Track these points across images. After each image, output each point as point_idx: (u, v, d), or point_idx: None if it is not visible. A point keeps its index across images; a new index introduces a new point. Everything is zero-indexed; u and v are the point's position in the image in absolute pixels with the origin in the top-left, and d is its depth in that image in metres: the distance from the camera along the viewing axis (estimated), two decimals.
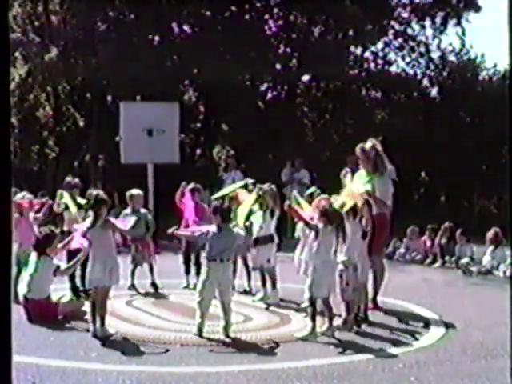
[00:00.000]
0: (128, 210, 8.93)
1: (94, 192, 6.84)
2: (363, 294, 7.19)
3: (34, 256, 7.27)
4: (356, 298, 6.97)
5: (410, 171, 16.89)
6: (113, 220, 6.62)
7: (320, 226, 6.50)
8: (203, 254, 6.85)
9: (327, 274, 6.45)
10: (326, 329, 6.44)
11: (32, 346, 5.93)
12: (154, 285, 8.86)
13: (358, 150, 7.67)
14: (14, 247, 7.52)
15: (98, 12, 17.26)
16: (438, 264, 11.59)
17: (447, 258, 11.59)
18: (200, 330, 6.37)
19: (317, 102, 19.58)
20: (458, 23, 18.66)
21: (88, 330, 6.37)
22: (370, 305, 7.41)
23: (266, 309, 7.68)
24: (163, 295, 8.58)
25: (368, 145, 7.64)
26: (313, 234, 6.58)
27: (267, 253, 8.04)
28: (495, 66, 19.06)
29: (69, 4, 17.33)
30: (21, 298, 7.13)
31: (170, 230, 7.13)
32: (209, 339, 6.27)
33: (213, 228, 6.61)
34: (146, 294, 8.57)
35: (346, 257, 6.79)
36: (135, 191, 9.22)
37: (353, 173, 7.71)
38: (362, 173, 7.65)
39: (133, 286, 8.78)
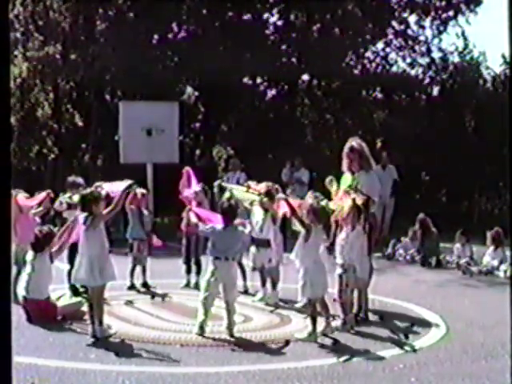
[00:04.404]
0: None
1: (86, 190, 6.79)
2: (364, 294, 7.19)
3: (30, 255, 7.24)
4: (354, 299, 6.97)
5: (411, 171, 16.88)
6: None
7: (311, 225, 6.46)
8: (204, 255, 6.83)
9: (320, 274, 6.41)
10: (323, 328, 6.43)
11: (31, 346, 5.92)
12: (145, 285, 8.86)
13: (346, 149, 7.59)
14: (14, 245, 7.49)
15: (98, 11, 17.26)
16: (433, 264, 11.51)
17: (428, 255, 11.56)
18: (202, 328, 6.36)
19: (317, 102, 19.56)
20: (456, 16, 18.57)
21: (87, 331, 6.36)
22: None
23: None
24: (162, 295, 8.55)
25: (356, 143, 7.63)
26: (304, 232, 6.52)
27: (268, 253, 8.04)
28: (503, 57, 18.61)
29: (69, 3, 17.31)
30: (20, 299, 7.11)
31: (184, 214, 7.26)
32: (208, 339, 6.26)
33: (218, 225, 6.61)
34: (153, 296, 8.49)
35: (345, 258, 6.78)
36: (139, 190, 9.23)
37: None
38: (347, 176, 7.56)
39: (132, 286, 8.77)
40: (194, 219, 7.06)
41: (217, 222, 6.76)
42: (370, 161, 7.61)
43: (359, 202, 6.82)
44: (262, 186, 8.23)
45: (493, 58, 19.19)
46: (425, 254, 11.59)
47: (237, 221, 6.80)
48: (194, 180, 8.92)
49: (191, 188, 8.86)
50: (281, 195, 7.21)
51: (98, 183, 7.02)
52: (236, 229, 6.61)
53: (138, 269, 8.94)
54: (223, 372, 5.34)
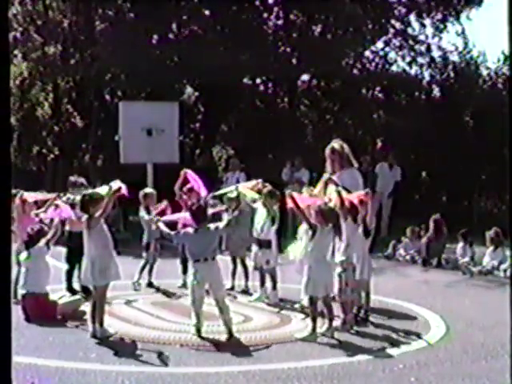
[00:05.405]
0: (142, 211, 8.92)
1: (85, 192, 6.79)
2: (365, 294, 7.19)
3: (24, 255, 7.25)
4: (354, 298, 6.97)
5: (411, 171, 16.87)
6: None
7: (317, 225, 6.48)
8: None
9: (323, 274, 6.43)
10: (325, 329, 6.43)
11: (31, 346, 5.92)
12: (151, 285, 8.89)
13: (327, 151, 7.81)
14: (16, 245, 7.49)
15: (97, 11, 17.26)
16: (434, 264, 11.49)
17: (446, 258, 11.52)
18: (198, 330, 6.37)
19: (317, 102, 19.55)
20: (457, 17, 18.53)
21: (87, 331, 6.36)
22: None
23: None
24: (162, 295, 8.54)
25: (337, 145, 7.80)
26: (310, 232, 6.54)
27: (267, 254, 8.04)
28: (503, 53, 18.44)
29: (68, 2, 17.32)
30: (19, 298, 7.11)
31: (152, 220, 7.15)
32: (208, 339, 6.26)
33: (189, 229, 6.60)
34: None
35: (344, 257, 6.79)
36: (148, 190, 9.25)
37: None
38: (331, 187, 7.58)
39: (138, 281, 8.78)
40: (164, 228, 6.97)
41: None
42: (351, 160, 7.83)
43: (347, 194, 6.88)
44: (253, 184, 8.26)
45: (492, 57, 19.13)
46: (428, 254, 11.56)
47: (211, 210, 6.80)
48: (201, 184, 8.88)
49: (200, 192, 8.83)
50: (290, 191, 7.20)
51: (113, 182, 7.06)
52: (208, 229, 6.54)
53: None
54: (223, 372, 5.34)
